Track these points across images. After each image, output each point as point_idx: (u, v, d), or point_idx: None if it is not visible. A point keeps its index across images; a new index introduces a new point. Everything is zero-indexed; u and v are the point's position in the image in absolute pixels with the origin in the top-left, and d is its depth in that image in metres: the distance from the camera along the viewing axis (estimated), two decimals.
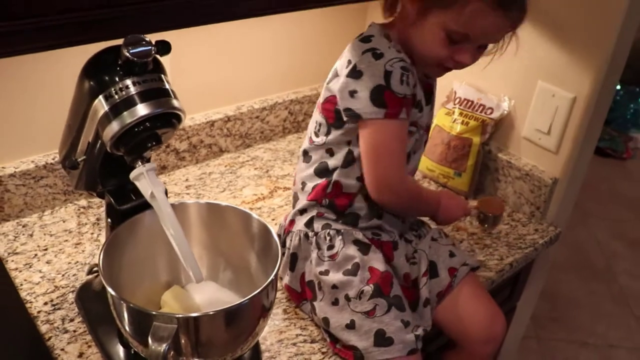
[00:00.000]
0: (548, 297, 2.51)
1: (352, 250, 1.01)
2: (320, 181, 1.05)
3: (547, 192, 1.36)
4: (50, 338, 0.97)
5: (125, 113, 0.76)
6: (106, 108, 0.77)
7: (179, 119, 0.82)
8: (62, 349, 0.95)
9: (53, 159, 1.22)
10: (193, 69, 1.37)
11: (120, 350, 0.93)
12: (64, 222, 1.22)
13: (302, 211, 1.07)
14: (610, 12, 1.19)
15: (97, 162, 0.87)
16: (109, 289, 0.77)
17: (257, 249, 0.93)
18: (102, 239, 1.18)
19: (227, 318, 0.78)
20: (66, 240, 1.17)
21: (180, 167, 1.41)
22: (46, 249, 1.15)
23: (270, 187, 1.39)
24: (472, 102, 1.40)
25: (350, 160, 1.02)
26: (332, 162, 1.04)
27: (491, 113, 1.38)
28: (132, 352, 0.91)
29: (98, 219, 1.24)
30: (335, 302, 0.98)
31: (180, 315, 0.74)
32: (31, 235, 1.17)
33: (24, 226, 1.20)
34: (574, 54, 1.27)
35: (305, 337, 1.02)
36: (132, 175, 0.81)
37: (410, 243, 1.09)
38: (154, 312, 0.74)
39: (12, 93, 1.14)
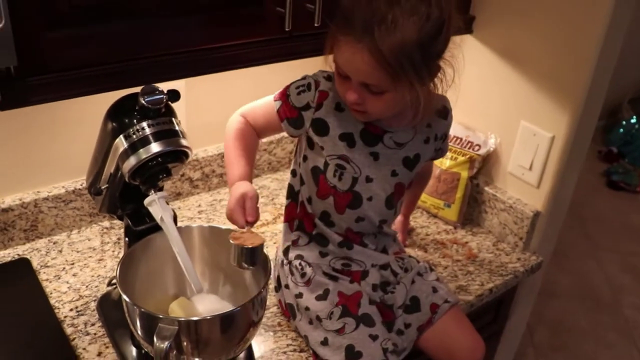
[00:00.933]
0: (551, 326, 2.58)
1: (323, 278, 1.15)
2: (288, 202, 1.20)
3: (529, 224, 1.48)
4: (74, 339, 1.12)
5: (141, 150, 0.92)
6: (125, 145, 0.93)
7: (186, 155, 0.98)
8: (84, 348, 1.10)
9: (81, 185, 1.38)
10: (206, 107, 1.53)
11: (133, 350, 1.07)
12: (89, 240, 1.38)
13: (283, 234, 1.22)
14: (582, 60, 1.32)
15: (117, 189, 1.03)
16: (124, 296, 0.92)
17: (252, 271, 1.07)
18: (122, 255, 1.34)
19: (222, 323, 0.92)
20: (90, 257, 1.33)
21: (194, 194, 1.57)
22: (73, 264, 1.30)
23: (274, 214, 1.54)
24: (461, 139, 1.53)
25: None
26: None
27: (479, 149, 1.51)
28: (143, 352, 1.06)
29: (119, 239, 1.40)
30: (310, 322, 1.12)
31: (181, 319, 0.88)
32: (60, 251, 1.34)
33: (54, 243, 1.36)
34: (552, 97, 1.40)
35: (295, 347, 1.16)
36: (146, 201, 0.96)
37: (396, 276, 1.19)
38: (159, 315, 0.88)
39: (43, 128, 1.31)
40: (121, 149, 0.94)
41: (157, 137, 0.93)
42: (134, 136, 0.93)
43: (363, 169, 1.10)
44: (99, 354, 1.09)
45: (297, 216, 1.18)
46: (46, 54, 0.90)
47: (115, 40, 0.94)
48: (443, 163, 1.53)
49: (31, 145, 1.31)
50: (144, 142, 0.93)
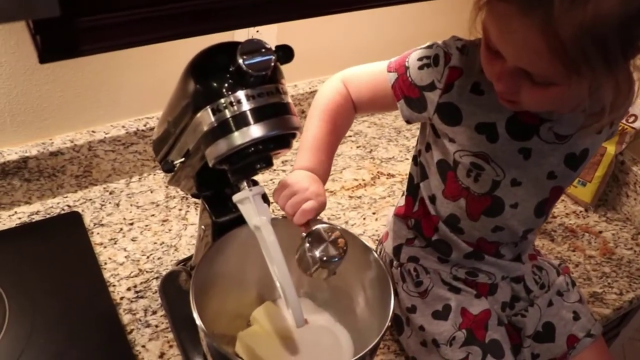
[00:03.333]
0: None
1: (443, 290, 0.90)
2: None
3: None
4: (131, 331, 0.92)
5: (235, 134, 0.66)
6: (214, 123, 0.66)
7: (294, 136, 0.71)
8: (143, 346, 0.90)
9: (144, 125, 1.14)
10: (299, 35, 1.24)
11: None
12: (151, 192, 1.16)
13: (393, 227, 0.97)
14: None
15: (194, 169, 0.78)
16: (200, 325, 0.69)
17: (367, 284, 0.83)
18: (190, 217, 1.11)
19: None
20: (153, 215, 1.11)
21: None
22: (132, 223, 1.09)
23: (373, 171, 1.28)
24: None
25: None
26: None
27: (634, 121, 1.20)
28: None
29: None
30: (424, 344, 0.89)
31: None
32: (117, 205, 1.12)
33: (110, 193, 1.14)
34: None
35: None
36: (235, 198, 0.71)
37: (529, 293, 0.95)
38: None
39: (104, 55, 1.05)
40: (207, 127, 0.67)
41: (259, 115, 0.66)
42: (227, 111, 0.66)
43: (508, 171, 0.81)
44: (161, 356, 0.89)
45: (413, 215, 0.92)
46: None
47: None
48: None
49: (86, 76, 1.06)
50: (241, 121, 0.66)
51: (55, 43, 0.61)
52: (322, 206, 0.75)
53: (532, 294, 0.94)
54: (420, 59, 0.82)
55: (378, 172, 1.28)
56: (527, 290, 0.94)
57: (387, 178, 1.27)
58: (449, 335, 0.87)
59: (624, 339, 1.46)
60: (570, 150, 0.81)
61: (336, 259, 0.71)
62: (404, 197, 0.96)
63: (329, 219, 1.14)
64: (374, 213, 1.18)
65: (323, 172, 0.81)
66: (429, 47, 0.82)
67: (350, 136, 1.37)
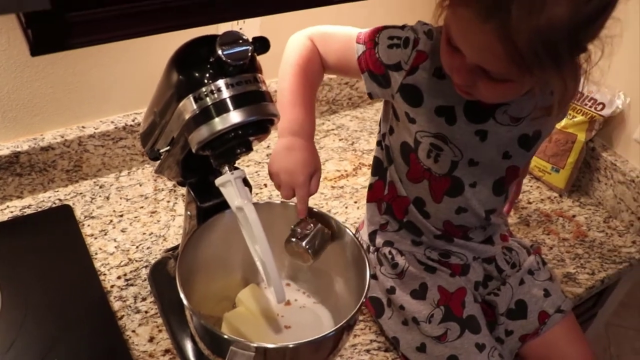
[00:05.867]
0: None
1: (418, 269, 0.95)
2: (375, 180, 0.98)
3: None
4: (122, 317, 0.96)
5: (216, 119, 0.70)
6: (196, 110, 0.71)
7: (272, 123, 0.75)
8: (133, 331, 0.94)
9: (133, 120, 1.18)
10: (283, 31, 1.28)
11: (190, 343, 0.91)
12: (140, 185, 1.20)
13: (367, 215, 1.01)
14: None
15: (179, 155, 0.82)
16: (187, 303, 0.73)
17: (345, 263, 0.87)
18: (178, 209, 1.15)
19: (310, 348, 0.73)
20: (142, 207, 1.15)
21: None
22: (122, 215, 1.13)
23: (354, 162, 1.32)
24: (582, 94, 1.27)
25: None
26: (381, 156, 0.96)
27: (602, 109, 1.25)
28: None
29: (175, 185, 1.21)
30: (404, 323, 0.94)
31: (259, 345, 0.70)
32: (107, 198, 1.16)
33: (100, 187, 1.18)
34: None
35: (380, 344, 0.98)
36: (218, 181, 0.75)
37: (501, 273, 0.99)
38: (231, 338, 0.70)
39: (93, 52, 1.09)
40: (189, 114, 0.71)
41: (238, 102, 0.70)
42: (208, 99, 0.70)
43: (465, 152, 0.86)
44: (151, 340, 0.93)
45: (385, 198, 0.97)
46: None
47: None
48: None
49: (76, 72, 1.09)
50: (221, 108, 0.70)
51: (47, 36, 0.65)
52: (319, 173, 0.84)
53: (504, 273, 0.99)
54: (391, 38, 0.85)
55: (360, 163, 1.32)
56: (499, 270, 0.99)
57: (368, 169, 1.30)
58: (427, 312, 0.92)
59: (602, 320, 1.51)
60: (523, 131, 0.86)
61: (321, 247, 0.83)
62: (374, 182, 0.99)
63: None
64: (355, 202, 1.22)
65: (308, 127, 0.87)
66: (401, 28, 0.86)
67: (332, 129, 1.42)
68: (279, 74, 0.90)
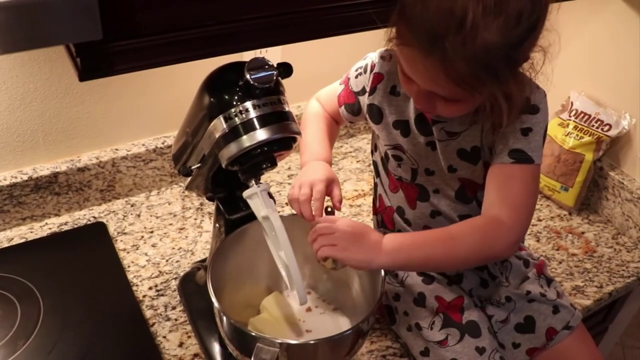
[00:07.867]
0: None
1: (416, 279, 1.01)
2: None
3: None
4: (153, 324, 1.02)
5: (244, 137, 0.77)
6: (226, 129, 0.78)
7: (295, 140, 0.83)
8: (164, 337, 1.01)
9: (162, 143, 1.26)
10: (303, 59, 1.36)
11: (218, 347, 0.97)
12: (169, 204, 1.27)
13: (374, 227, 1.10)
14: None
15: (209, 172, 0.89)
16: (217, 306, 0.80)
17: (362, 272, 0.94)
18: (205, 226, 1.22)
19: (329, 345, 0.79)
20: (170, 224, 1.22)
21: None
22: (152, 232, 1.20)
23: (371, 183, 1.39)
24: (590, 116, 1.33)
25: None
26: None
27: (608, 130, 1.31)
28: (229, 352, 0.95)
29: (201, 204, 1.28)
30: (409, 329, 0.99)
31: (284, 341, 0.76)
32: (139, 216, 1.23)
33: (132, 205, 1.26)
34: None
35: (395, 350, 1.03)
36: (245, 193, 0.83)
37: (495, 279, 1.03)
38: (258, 335, 0.76)
39: (125, 82, 1.18)
40: (220, 132, 0.79)
41: (264, 121, 0.78)
42: (236, 119, 0.78)
43: (420, 161, 0.95)
44: (181, 345, 1.00)
45: (378, 211, 1.07)
46: (135, 15, 0.74)
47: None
48: (565, 142, 1.33)
49: (110, 99, 1.18)
50: (248, 127, 0.78)
51: (94, 64, 0.74)
52: (337, 183, 0.94)
53: (497, 280, 1.03)
54: (357, 70, 0.98)
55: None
56: (492, 276, 1.03)
57: None
58: (429, 319, 0.97)
59: (614, 335, 1.55)
60: (460, 146, 0.91)
61: None
62: (374, 197, 1.09)
63: None
64: (372, 219, 1.28)
65: (325, 157, 0.97)
66: (364, 58, 0.98)
67: (350, 152, 1.49)
68: (302, 127, 1.02)
